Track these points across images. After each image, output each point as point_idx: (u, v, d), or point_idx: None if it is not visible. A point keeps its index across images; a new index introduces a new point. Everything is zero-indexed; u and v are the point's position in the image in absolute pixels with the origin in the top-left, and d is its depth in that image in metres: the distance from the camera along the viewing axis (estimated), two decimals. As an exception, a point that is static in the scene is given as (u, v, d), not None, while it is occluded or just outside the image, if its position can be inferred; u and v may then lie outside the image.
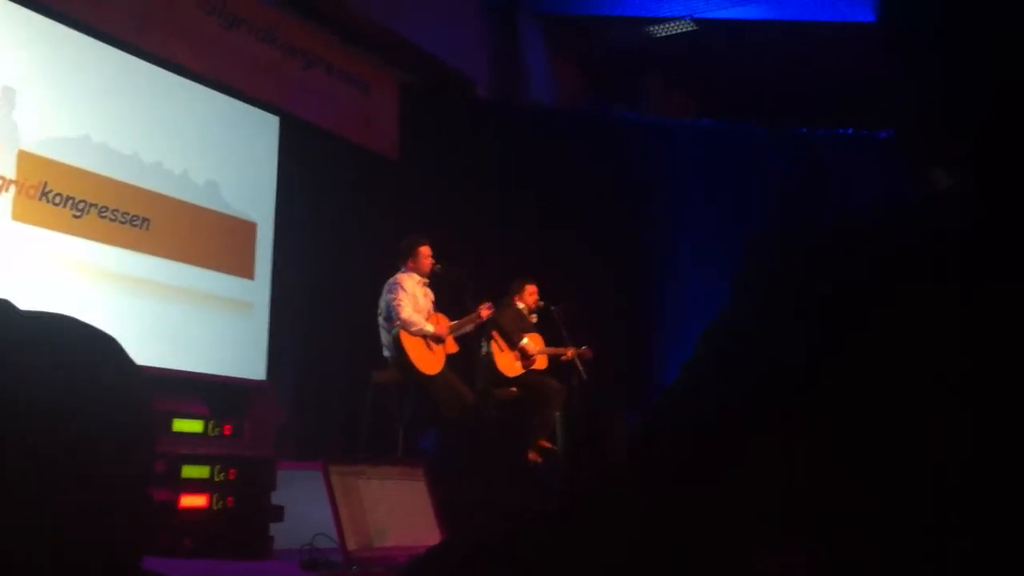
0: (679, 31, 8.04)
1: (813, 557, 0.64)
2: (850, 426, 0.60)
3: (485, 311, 5.76)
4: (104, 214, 5.02)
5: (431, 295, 5.82)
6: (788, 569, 0.65)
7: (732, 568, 0.64)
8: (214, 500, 2.23)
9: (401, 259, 5.77)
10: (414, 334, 5.56)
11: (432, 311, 5.78)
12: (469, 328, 5.87)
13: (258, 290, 5.95)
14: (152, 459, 0.67)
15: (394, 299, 5.57)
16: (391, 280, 5.69)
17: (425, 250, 5.74)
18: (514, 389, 6.17)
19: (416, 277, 5.72)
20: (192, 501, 2.20)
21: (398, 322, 5.53)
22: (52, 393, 0.59)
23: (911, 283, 0.60)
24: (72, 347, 0.62)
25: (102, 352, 0.64)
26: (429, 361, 5.61)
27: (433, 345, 5.67)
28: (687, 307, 7.53)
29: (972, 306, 0.59)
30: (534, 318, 6.41)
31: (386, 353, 5.66)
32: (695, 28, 7.95)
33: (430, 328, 5.63)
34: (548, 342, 6.40)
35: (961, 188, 0.69)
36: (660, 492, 0.63)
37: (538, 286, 6.42)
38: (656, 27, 8.07)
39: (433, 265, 5.76)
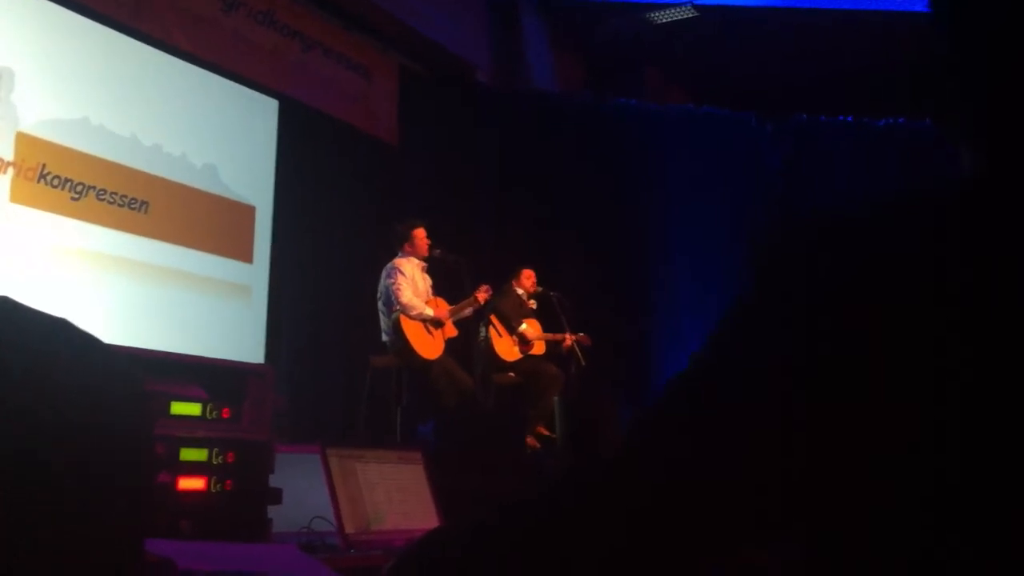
0: (679, 17, 8.02)
1: (812, 552, 0.64)
2: (849, 420, 0.60)
3: (482, 295, 5.76)
4: (102, 197, 5.02)
5: (429, 279, 5.82)
6: (786, 564, 0.65)
7: (730, 562, 0.64)
8: (212, 483, 2.23)
9: (398, 243, 5.77)
10: (414, 318, 5.56)
11: (431, 295, 5.78)
12: (468, 312, 5.87)
13: (257, 274, 5.95)
14: (152, 455, 0.67)
15: (393, 284, 5.57)
16: (389, 265, 5.69)
17: (420, 232, 5.73)
18: (512, 374, 6.18)
19: (415, 261, 5.72)
20: (190, 484, 2.20)
21: (397, 307, 5.53)
22: (46, 395, 0.59)
23: (912, 277, 0.60)
24: (65, 350, 0.62)
25: (97, 352, 0.64)
26: (429, 345, 5.61)
27: (433, 329, 5.68)
28: (684, 296, 7.53)
29: (973, 301, 0.59)
30: (532, 304, 6.42)
31: (385, 338, 5.66)
32: (695, 14, 7.93)
33: (429, 312, 5.63)
34: (546, 328, 6.41)
35: (968, 176, 0.69)
36: (657, 485, 0.63)
37: (535, 271, 6.43)
38: (656, 13, 8.05)
39: (431, 249, 5.76)
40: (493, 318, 6.10)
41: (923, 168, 6.78)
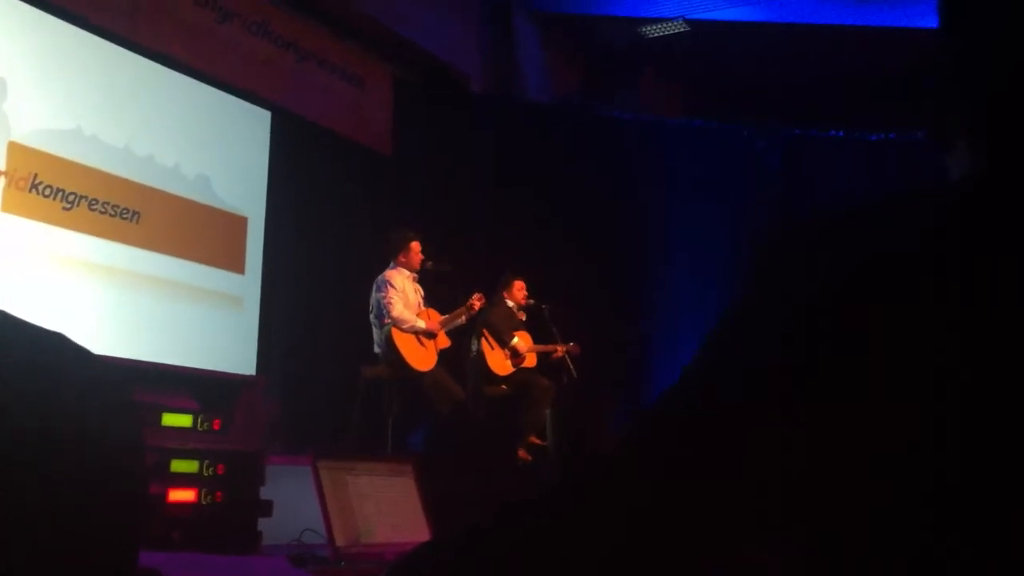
0: (671, 32, 8.06)
1: (812, 551, 0.64)
2: (849, 420, 0.60)
3: (476, 302, 5.77)
4: (94, 206, 5.01)
5: (421, 290, 5.82)
6: (787, 563, 0.66)
7: (730, 562, 0.64)
8: (203, 494, 2.23)
9: (391, 253, 5.76)
10: (406, 331, 5.56)
11: (422, 306, 5.78)
12: (462, 320, 5.86)
13: (249, 285, 5.94)
14: (143, 464, 0.68)
15: (384, 297, 5.57)
16: (380, 278, 5.68)
17: (416, 246, 5.73)
18: (504, 387, 6.17)
19: (405, 272, 5.72)
20: (181, 495, 2.20)
21: (389, 320, 5.53)
22: (39, 407, 0.60)
23: (912, 277, 0.60)
24: (60, 362, 0.63)
25: (91, 364, 0.65)
26: (421, 357, 5.61)
27: (425, 341, 5.67)
28: (682, 297, 7.55)
29: (973, 301, 0.59)
30: (522, 315, 6.42)
31: (377, 350, 5.65)
32: (687, 29, 7.97)
33: (421, 324, 5.62)
34: (536, 339, 6.41)
35: (968, 177, 0.69)
36: (657, 485, 0.63)
37: (528, 283, 6.43)
38: (649, 27, 8.09)
39: (423, 262, 5.76)
40: (485, 331, 6.09)
41: (919, 175, 6.82)
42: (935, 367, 0.59)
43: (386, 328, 5.55)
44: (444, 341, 5.80)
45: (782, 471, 0.61)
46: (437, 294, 5.93)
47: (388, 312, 5.52)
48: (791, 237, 0.67)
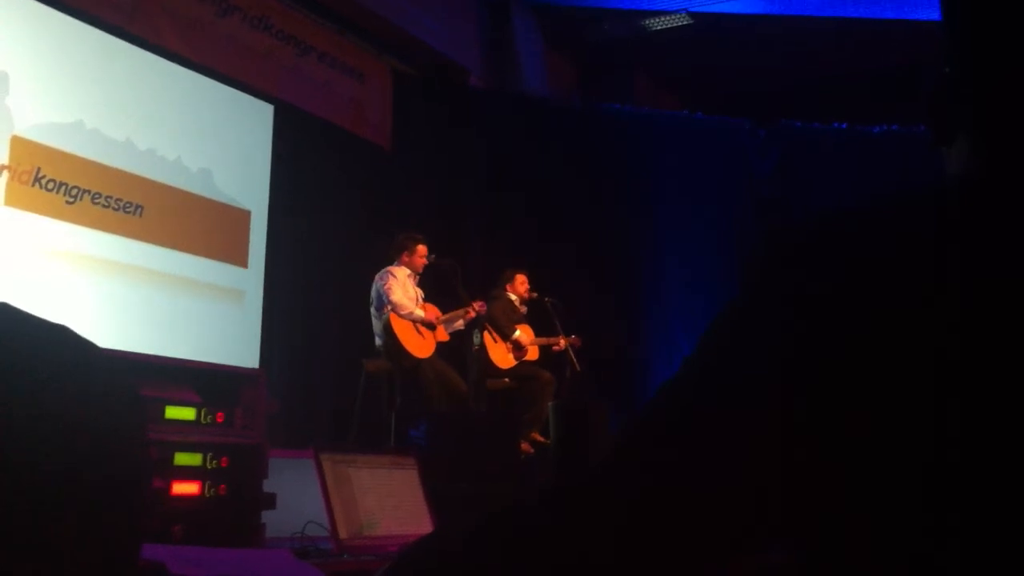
0: (674, 24, 8.04)
1: (812, 555, 0.64)
2: (847, 426, 0.60)
3: (478, 307, 5.78)
4: (97, 200, 5.01)
5: (420, 291, 5.87)
6: (787, 567, 0.65)
7: (730, 568, 0.64)
8: (206, 487, 2.24)
9: (396, 253, 5.80)
10: (404, 317, 5.59)
11: (421, 302, 5.81)
12: (459, 324, 5.89)
13: (251, 278, 5.95)
14: (148, 459, 0.68)
15: (384, 284, 5.63)
16: (382, 271, 5.73)
17: (423, 249, 5.78)
18: (507, 380, 6.18)
19: (407, 271, 5.76)
20: (184, 488, 2.20)
21: (389, 305, 5.57)
22: (44, 400, 0.60)
23: (910, 279, 0.60)
24: (65, 356, 0.63)
25: (96, 358, 0.65)
26: (419, 345, 5.64)
27: (423, 330, 5.70)
28: (675, 300, 7.54)
29: (971, 303, 0.59)
30: (524, 309, 6.42)
31: (378, 341, 5.68)
32: (690, 22, 7.95)
33: (420, 313, 5.67)
34: (538, 332, 6.42)
35: (965, 175, 0.69)
36: (656, 491, 0.63)
37: (527, 275, 6.43)
38: (651, 20, 8.07)
39: (427, 258, 5.80)
40: (487, 325, 6.10)
41: (920, 169, 6.80)
42: (935, 369, 0.58)
43: (385, 316, 5.59)
44: (442, 335, 5.83)
45: (779, 477, 0.61)
46: (438, 288, 5.95)
47: (387, 297, 5.56)
48: (789, 239, 0.67)
